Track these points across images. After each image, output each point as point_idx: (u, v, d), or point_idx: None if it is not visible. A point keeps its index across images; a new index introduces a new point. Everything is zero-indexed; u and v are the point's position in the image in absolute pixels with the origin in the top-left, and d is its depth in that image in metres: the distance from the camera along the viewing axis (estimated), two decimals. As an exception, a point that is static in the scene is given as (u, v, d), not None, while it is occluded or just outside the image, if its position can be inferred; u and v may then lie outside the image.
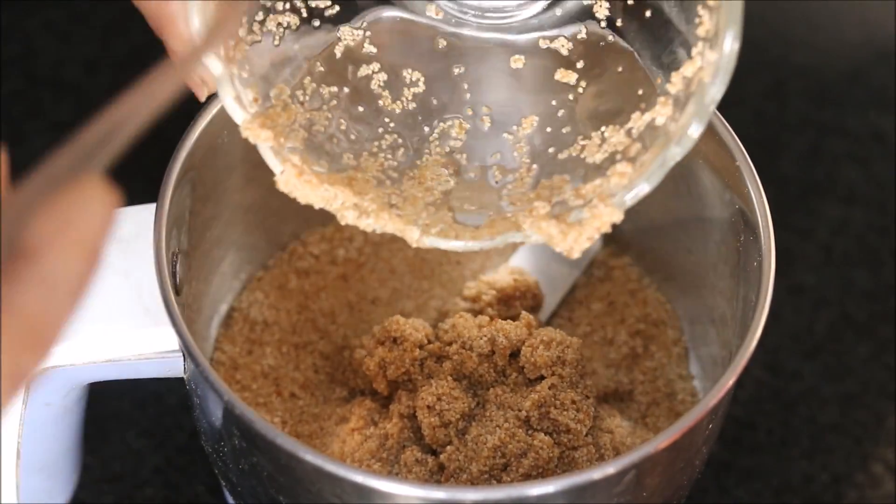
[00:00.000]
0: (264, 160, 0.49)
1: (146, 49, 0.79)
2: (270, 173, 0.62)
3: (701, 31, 0.46)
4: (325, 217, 0.65)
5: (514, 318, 0.58)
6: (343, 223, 0.49)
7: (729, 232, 0.57)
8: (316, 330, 0.62)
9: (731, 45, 0.45)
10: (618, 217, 0.47)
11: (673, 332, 0.62)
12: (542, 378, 0.55)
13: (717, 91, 0.45)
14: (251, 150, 0.59)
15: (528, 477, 0.52)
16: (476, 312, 0.59)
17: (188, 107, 0.57)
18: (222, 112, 0.56)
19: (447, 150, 0.52)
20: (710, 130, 0.56)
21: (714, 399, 0.49)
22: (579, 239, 0.47)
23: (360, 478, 0.47)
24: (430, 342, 0.56)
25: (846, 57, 0.82)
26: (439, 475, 0.54)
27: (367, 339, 0.58)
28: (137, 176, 0.74)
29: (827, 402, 0.68)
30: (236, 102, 0.48)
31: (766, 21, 0.83)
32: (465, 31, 0.52)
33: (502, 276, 0.61)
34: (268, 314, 0.62)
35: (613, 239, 0.65)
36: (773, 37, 0.82)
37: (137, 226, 0.54)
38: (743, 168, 0.55)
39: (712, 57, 0.45)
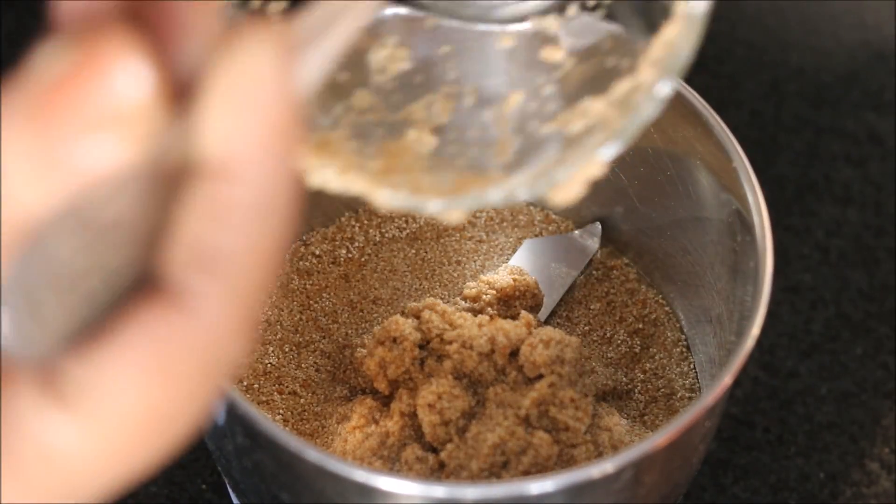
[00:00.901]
0: None
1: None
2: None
3: None
4: (327, 217, 0.66)
5: (514, 317, 0.59)
6: (313, 182, 0.47)
7: (726, 232, 0.57)
8: (318, 329, 0.62)
9: (699, 4, 0.44)
10: (596, 170, 0.46)
11: (671, 331, 0.63)
12: (542, 377, 0.55)
13: (686, 53, 0.44)
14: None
15: (527, 474, 0.53)
16: (476, 312, 0.59)
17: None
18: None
19: (429, 126, 0.51)
20: (707, 131, 0.57)
21: (711, 398, 0.50)
22: (568, 189, 0.46)
23: (361, 475, 0.47)
24: (424, 337, 0.56)
25: (843, 58, 0.82)
26: (440, 473, 0.54)
27: (368, 338, 0.59)
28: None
29: (823, 400, 0.68)
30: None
31: (764, 23, 0.83)
32: (454, 22, 0.52)
33: (502, 276, 0.61)
34: (270, 313, 0.62)
35: (611, 239, 0.65)
36: (770, 38, 0.82)
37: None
38: (740, 169, 0.56)
39: (684, 11, 0.45)
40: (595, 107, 0.47)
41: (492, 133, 0.51)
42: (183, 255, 0.27)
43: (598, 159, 0.45)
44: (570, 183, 0.45)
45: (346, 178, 0.45)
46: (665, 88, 0.44)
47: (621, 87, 0.47)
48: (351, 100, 0.51)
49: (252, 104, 0.26)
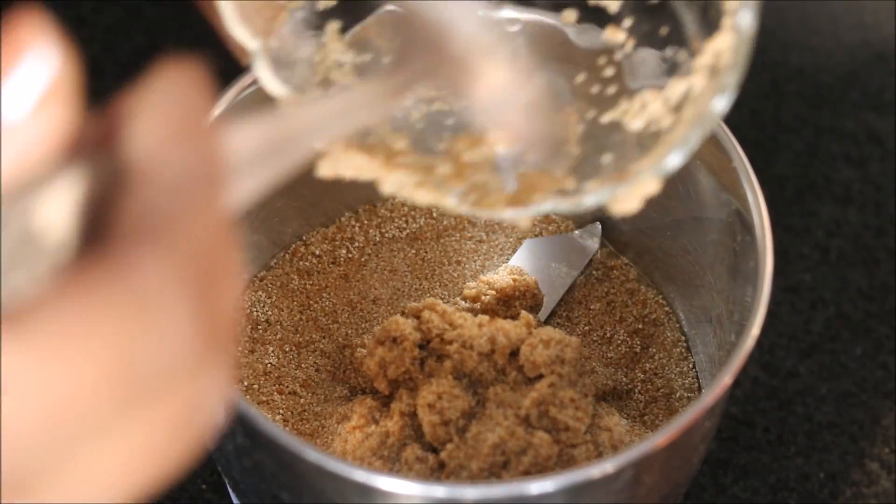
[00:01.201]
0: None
1: (149, 51, 0.80)
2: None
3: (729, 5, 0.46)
4: (327, 217, 0.66)
5: (514, 317, 0.59)
6: (385, 192, 0.47)
7: (726, 232, 0.57)
8: (318, 329, 0.62)
9: (747, 21, 0.44)
10: (653, 187, 0.46)
11: (671, 331, 0.63)
12: (542, 377, 0.55)
13: (733, 76, 0.45)
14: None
15: (527, 474, 0.53)
16: (476, 312, 0.59)
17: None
18: (225, 114, 0.57)
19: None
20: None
21: (711, 398, 0.50)
22: (627, 202, 0.47)
23: (361, 475, 0.47)
24: (424, 337, 0.56)
25: (843, 59, 0.82)
26: (440, 473, 0.54)
27: (368, 338, 0.59)
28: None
29: (823, 400, 0.68)
30: (274, 77, 0.46)
31: (764, 23, 0.83)
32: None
33: (502, 276, 0.61)
34: (270, 313, 0.62)
35: (611, 239, 0.65)
36: (770, 39, 0.83)
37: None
38: (740, 169, 0.56)
39: (730, 39, 0.45)
40: (653, 106, 0.48)
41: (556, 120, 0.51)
42: (121, 230, 0.28)
43: (656, 177, 0.45)
44: (630, 197, 0.46)
45: (418, 193, 0.46)
46: (721, 104, 0.45)
47: (677, 89, 0.47)
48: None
49: (167, 110, 0.29)
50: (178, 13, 0.81)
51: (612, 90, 0.50)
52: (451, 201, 0.46)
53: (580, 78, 0.51)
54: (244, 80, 0.57)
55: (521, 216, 0.46)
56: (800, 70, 0.81)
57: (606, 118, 0.50)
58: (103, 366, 0.27)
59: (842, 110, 0.79)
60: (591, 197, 0.46)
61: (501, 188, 0.47)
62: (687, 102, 0.47)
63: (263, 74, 0.47)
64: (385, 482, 0.47)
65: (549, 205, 0.46)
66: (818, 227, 0.74)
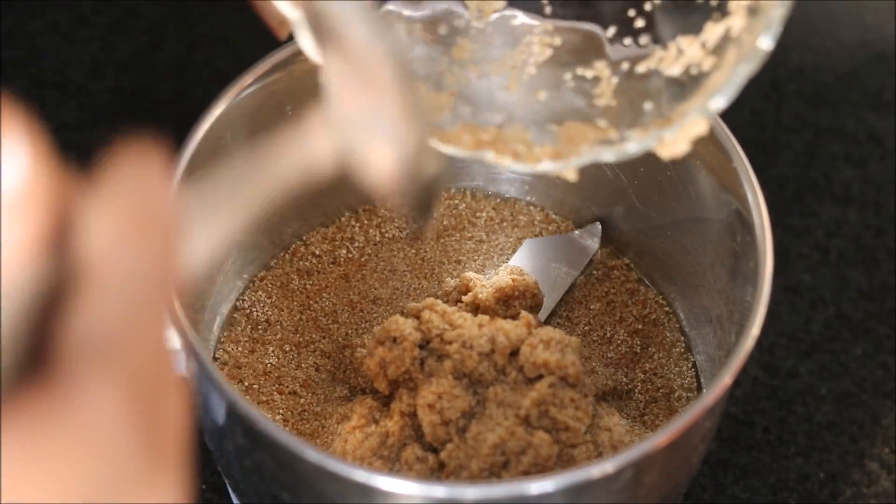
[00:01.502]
0: None
1: (149, 51, 0.80)
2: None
3: None
4: (327, 217, 0.66)
5: (514, 317, 0.59)
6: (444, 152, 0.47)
7: (726, 233, 0.57)
8: (318, 329, 0.62)
9: None
10: (702, 128, 0.46)
11: (671, 331, 0.63)
12: (542, 377, 0.55)
13: (779, 9, 0.44)
14: (255, 152, 0.60)
15: (527, 474, 0.53)
16: (476, 312, 0.59)
17: (191, 108, 0.58)
18: (226, 113, 0.57)
19: (528, 64, 0.51)
20: (707, 131, 0.57)
21: (711, 398, 0.50)
22: (675, 145, 0.46)
23: (361, 475, 0.47)
24: (424, 337, 0.56)
25: (843, 58, 0.82)
26: (440, 472, 0.54)
27: (368, 338, 0.59)
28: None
29: (823, 400, 0.68)
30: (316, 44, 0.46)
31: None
32: None
33: (502, 276, 0.61)
34: (270, 314, 0.62)
35: (612, 239, 0.65)
36: (770, 38, 0.83)
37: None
38: (740, 169, 0.56)
39: None
40: (690, 51, 0.47)
41: (589, 74, 0.50)
42: (69, 345, 0.28)
43: (704, 117, 0.45)
44: (677, 140, 0.46)
45: (474, 153, 0.46)
46: (766, 43, 0.44)
47: (714, 32, 0.47)
48: (451, 50, 0.51)
49: (124, 204, 0.28)
50: (178, 13, 0.81)
51: (644, 40, 0.50)
52: (488, 156, 0.46)
53: (611, 31, 0.50)
54: (244, 80, 0.57)
55: (565, 168, 0.46)
56: (800, 70, 0.81)
57: (642, 68, 0.49)
58: (50, 487, 0.27)
59: (842, 110, 0.79)
60: (636, 144, 0.45)
61: (534, 143, 0.47)
62: (728, 43, 0.46)
63: (306, 42, 0.46)
64: (385, 482, 0.47)
65: (593, 155, 0.46)
66: (818, 227, 0.74)
